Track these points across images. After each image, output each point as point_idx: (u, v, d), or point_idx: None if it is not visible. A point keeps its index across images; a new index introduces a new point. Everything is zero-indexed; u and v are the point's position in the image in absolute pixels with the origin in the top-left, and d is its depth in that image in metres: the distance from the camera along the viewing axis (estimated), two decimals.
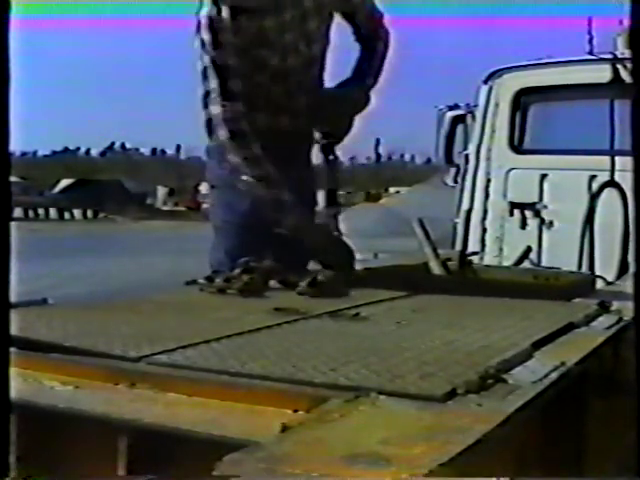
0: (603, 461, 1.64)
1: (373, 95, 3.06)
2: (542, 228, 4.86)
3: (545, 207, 4.86)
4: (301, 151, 3.02)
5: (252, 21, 2.77)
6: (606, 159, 4.15)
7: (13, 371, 0.89)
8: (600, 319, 1.88)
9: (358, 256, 2.94)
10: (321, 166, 3.00)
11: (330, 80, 3.06)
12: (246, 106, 2.77)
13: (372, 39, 3.06)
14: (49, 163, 79.17)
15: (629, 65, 3.75)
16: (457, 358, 1.37)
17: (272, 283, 2.27)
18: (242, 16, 2.74)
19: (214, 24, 2.71)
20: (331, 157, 2.99)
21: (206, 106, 2.77)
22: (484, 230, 5.01)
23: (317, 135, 2.99)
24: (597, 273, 3.31)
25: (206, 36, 2.71)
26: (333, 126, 2.97)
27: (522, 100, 4.99)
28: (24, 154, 78.46)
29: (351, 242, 2.90)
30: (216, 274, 2.27)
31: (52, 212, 44.41)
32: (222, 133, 2.70)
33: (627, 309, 1.91)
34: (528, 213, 4.90)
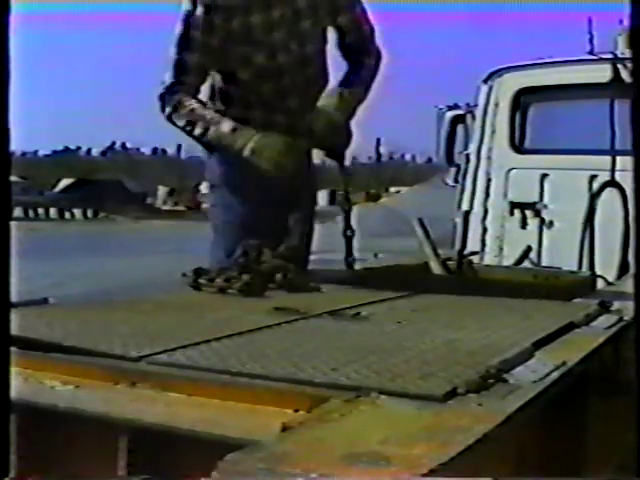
0: (603, 461, 1.63)
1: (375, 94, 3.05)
2: (542, 228, 4.86)
3: (545, 207, 4.86)
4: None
5: (228, 19, 2.77)
6: (606, 159, 4.14)
7: (13, 371, 0.89)
8: (600, 319, 1.88)
9: (358, 256, 2.95)
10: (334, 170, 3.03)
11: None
12: (227, 103, 2.86)
13: (361, 53, 3.01)
14: (49, 163, 79.12)
15: (629, 65, 3.75)
16: (457, 358, 1.37)
17: (278, 277, 2.28)
18: (217, 13, 2.75)
19: (187, 19, 2.76)
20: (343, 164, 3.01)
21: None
22: (484, 230, 5.01)
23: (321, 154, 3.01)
24: (597, 273, 3.31)
25: (176, 30, 2.77)
26: (332, 147, 2.97)
27: (522, 100, 4.98)
28: (24, 154, 78.44)
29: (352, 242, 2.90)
30: (203, 270, 2.28)
31: (52, 212, 44.40)
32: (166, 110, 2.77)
33: (627, 309, 1.91)
34: (528, 213, 4.90)
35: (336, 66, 3.08)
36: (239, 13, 2.79)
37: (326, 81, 3.01)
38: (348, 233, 2.94)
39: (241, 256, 2.33)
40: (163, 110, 2.78)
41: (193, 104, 2.76)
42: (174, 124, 2.79)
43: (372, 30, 3.05)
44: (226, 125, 2.72)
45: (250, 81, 2.86)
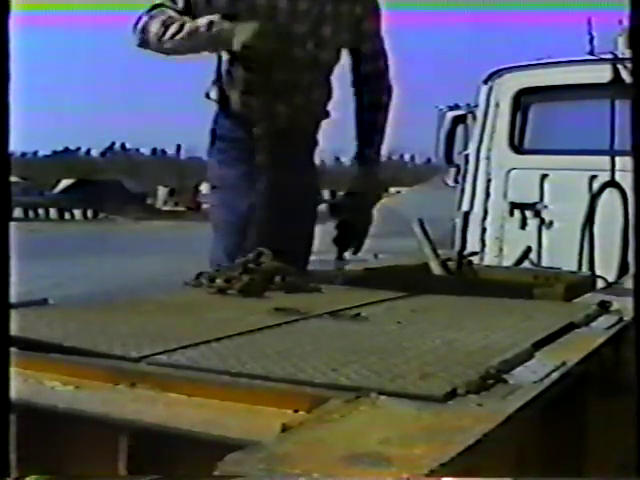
0: (603, 461, 1.63)
1: None
2: (542, 228, 4.86)
3: (545, 207, 4.86)
4: (302, 150, 3.01)
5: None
6: (606, 159, 4.14)
7: (13, 371, 0.89)
8: (600, 319, 1.88)
9: (358, 256, 2.95)
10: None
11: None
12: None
13: (376, 89, 3.01)
14: (49, 163, 79.10)
15: (629, 65, 3.75)
16: (457, 358, 1.37)
17: (277, 279, 2.28)
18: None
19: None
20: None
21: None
22: (484, 230, 5.01)
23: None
24: (597, 273, 3.31)
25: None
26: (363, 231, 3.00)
27: (522, 100, 4.98)
28: (24, 154, 78.44)
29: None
30: (202, 275, 2.28)
31: (52, 212, 44.41)
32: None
33: (627, 309, 1.91)
34: (528, 213, 4.90)
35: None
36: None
37: (329, 93, 3.00)
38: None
39: (250, 259, 2.32)
40: (134, 33, 2.70)
41: (172, 13, 2.67)
42: (146, 42, 2.69)
43: (388, 65, 3.05)
44: (202, 20, 2.63)
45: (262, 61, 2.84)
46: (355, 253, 2.96)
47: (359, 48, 2.98)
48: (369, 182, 2.97)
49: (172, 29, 2.64)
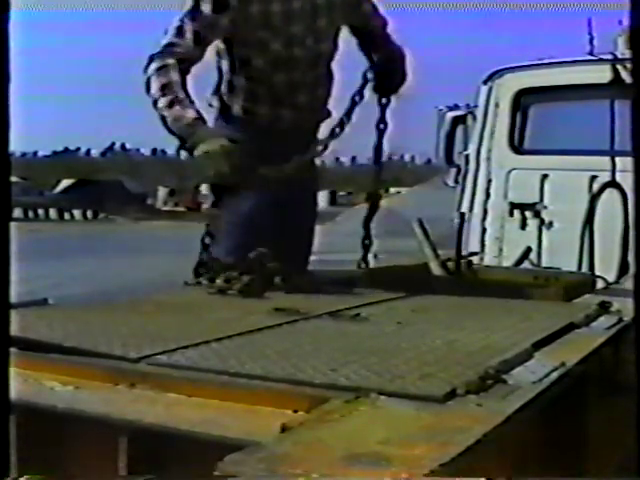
0: (603, 461, 1.63)
1: None
2: (542, 228, 4.86)
3: (545, 207, 4.85)
4: (303, 149, 3.01)
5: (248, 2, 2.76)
6: (606, 159, 4.14)
7: (13, 371, 0.89)
8: (600, 319, 1.88)
9: (358, 256, 2.95)
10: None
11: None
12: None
13: (383, 44, 3.06)
14: (49, 163, 79.14)
15: (629, 65, 3.75)
16: (457, 358, 1.37)
17: (277, 280, 2.28)
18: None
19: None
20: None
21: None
22: (484, 230, 5.01)
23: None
24: (597, 273, 3.31)
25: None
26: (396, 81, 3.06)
27: (522, 100, 4.98)
28: (24, 154, 78.44)
29: (352, 242, 2.90)
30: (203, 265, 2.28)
31: (52, 212, 44.40)
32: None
33: (627, 309, 1.91)
34: (528, 213, 4.89)
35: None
36: None
37: (331, 85, 3.01)
38: (366, 242, 3.00)
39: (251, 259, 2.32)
40: (145, 72, 2.69)
41: (175, 77, 2.66)
42: (148, 88, 2.69)
43: (385, 23, 3.10)
44: (190, 112, 2.62)
45: (263, 69, 2.83)
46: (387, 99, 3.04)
47: (353, 22, 3.02)
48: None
49: (163, 101, 2.62)
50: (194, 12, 2.71)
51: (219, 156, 2.52)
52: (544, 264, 4.37)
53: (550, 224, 4.83)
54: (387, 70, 3.03)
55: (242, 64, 2.84)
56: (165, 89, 2.64)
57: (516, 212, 4.92)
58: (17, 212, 37.74)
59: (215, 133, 2.68)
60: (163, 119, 2.66)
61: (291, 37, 2.82)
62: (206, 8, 2.70)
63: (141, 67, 2.69)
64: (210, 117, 2.91)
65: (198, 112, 2.63)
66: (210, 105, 2.94)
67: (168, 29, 2.71)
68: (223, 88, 2.90)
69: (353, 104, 3.01)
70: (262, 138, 2.82)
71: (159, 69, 2.65)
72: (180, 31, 2.70)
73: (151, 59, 2.69)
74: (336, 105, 3.06)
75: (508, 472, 1.14)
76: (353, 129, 3.05)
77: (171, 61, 2.65)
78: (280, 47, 2.81)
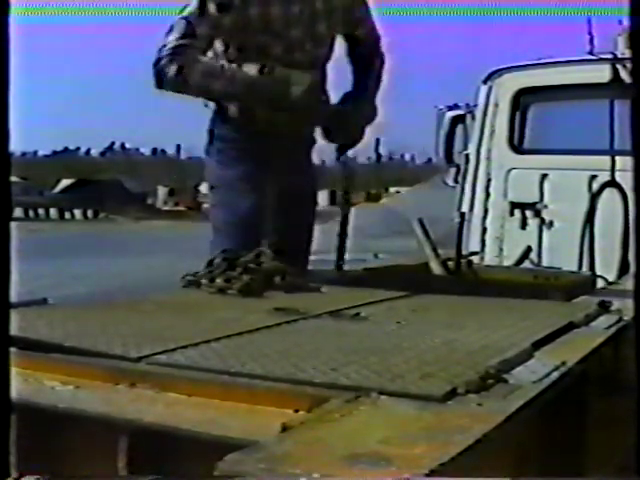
0: (603, 461, 1.63)
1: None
2: (542, 228, 4.86)
3: (545, 207, 4.86)
4: (301, 149, 3.01)
5: (247, 5, 2.75)
6: (606, 159, 4.14)
7: (13, 371, 0.89)
8: (600, 319, 1.88)
9: (358, 256, 2.94)
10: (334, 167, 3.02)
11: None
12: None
13: (371, 57, 3.05)
14: (49, 163, 79.10)
15: (629, 65, 3.75)
16: (457, 358, 1.37)
17: (277, 279, 2.28)
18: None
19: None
20: (342, 159, 2.99)
21: None
22: (484, 230, 5.01)
23: (332, 145, 3.00)
24: (597, 273, 3.31)
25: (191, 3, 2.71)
26: (349, 139, 2.96)
27: (522, 100, 4.98)
28: (24, 154, 78.43)
29: (352, 242, 2.90)
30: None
31: (52, 212, 44.41)
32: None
33: (627, 309, 1.91)
34: (528, 213, 4.89)
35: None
36: (259, 2, 2.77)
37: (324, 90, 3.01)
38: (343, 237, 2.95)
39: (250, 259, 2.32)
40: (160, 75, 2.63)
41: (205, 59, 2.66)
42: (179, 87, 2.65)
43: (379, 37, 3.10)
44: (252, 67, 2.63)
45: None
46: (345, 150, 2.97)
47: (356, 35, 3.02)
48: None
49: (220, 82, 2.62)
50: (199, 9, 2.70)
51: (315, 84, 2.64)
52: (544, 263, 4.38)
53: (550, 224, 4.83)
54: (340, 126, 2.93)
55: (239, 66, 2.84)
56: (209, 69, 2.64)
57: (516, 211, 4.92)
58: (17, 212, 37.76)
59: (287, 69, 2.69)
60: (219, 93, 2.68)
61: (291, 41, 2.82)
62: (211, 6, 2.70)
63: (142, 67, 2.69)
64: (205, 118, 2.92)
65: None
66: (206, 105, 2.94)
67: (170, 28, 2.69)
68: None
69: None
70: (258, 140, 2.82)
71: (182, 67, 2.61)
72: (188, 29, 2.67)
73: (162, 60, 2.64)
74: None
75: (508, 472, 1.13)
76: None
77: (192, 55, 2.64)
78: (281, 51, 2.81)
